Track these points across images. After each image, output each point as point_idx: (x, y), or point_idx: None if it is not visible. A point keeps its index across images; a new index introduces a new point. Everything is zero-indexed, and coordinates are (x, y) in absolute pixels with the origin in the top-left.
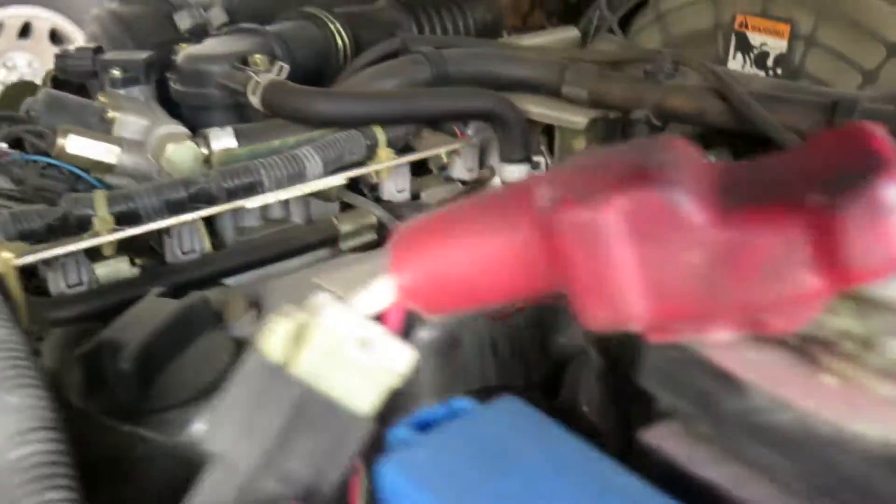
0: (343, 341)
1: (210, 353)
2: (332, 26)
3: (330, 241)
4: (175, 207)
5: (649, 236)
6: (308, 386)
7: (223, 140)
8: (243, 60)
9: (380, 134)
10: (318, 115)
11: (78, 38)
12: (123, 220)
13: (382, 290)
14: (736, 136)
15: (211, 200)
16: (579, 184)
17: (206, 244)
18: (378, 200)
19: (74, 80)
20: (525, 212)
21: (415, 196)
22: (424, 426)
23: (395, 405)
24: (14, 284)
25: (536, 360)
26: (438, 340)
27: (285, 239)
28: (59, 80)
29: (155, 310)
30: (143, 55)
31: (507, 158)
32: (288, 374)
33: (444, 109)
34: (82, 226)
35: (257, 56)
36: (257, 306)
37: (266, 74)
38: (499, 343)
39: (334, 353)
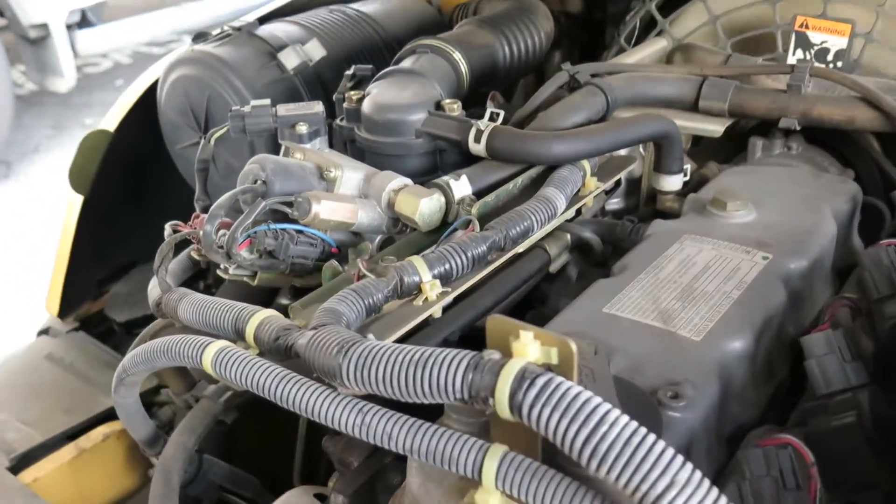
0: None
1: None
2: (454, 56)
3: (545, 266)
4: (477, 262)
5: None
6: None
7: (462, 189)
8: (437, 106)
9: (586, 165)
10: (553, 157)
11: None
12: (441, 280)
13: None
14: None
15: (500, 250)
16: None
17: None
18: None
19: (253, 137)
20: None
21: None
22: None
23: None
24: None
25: None
26: None
27: (517, 272)
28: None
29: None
30: (317, 107)
31: (667, 170)
32: None
33: (637, 136)
34: (409, 292)
35: (449, 100)
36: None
37: (486, 121)
38: None
39: None
